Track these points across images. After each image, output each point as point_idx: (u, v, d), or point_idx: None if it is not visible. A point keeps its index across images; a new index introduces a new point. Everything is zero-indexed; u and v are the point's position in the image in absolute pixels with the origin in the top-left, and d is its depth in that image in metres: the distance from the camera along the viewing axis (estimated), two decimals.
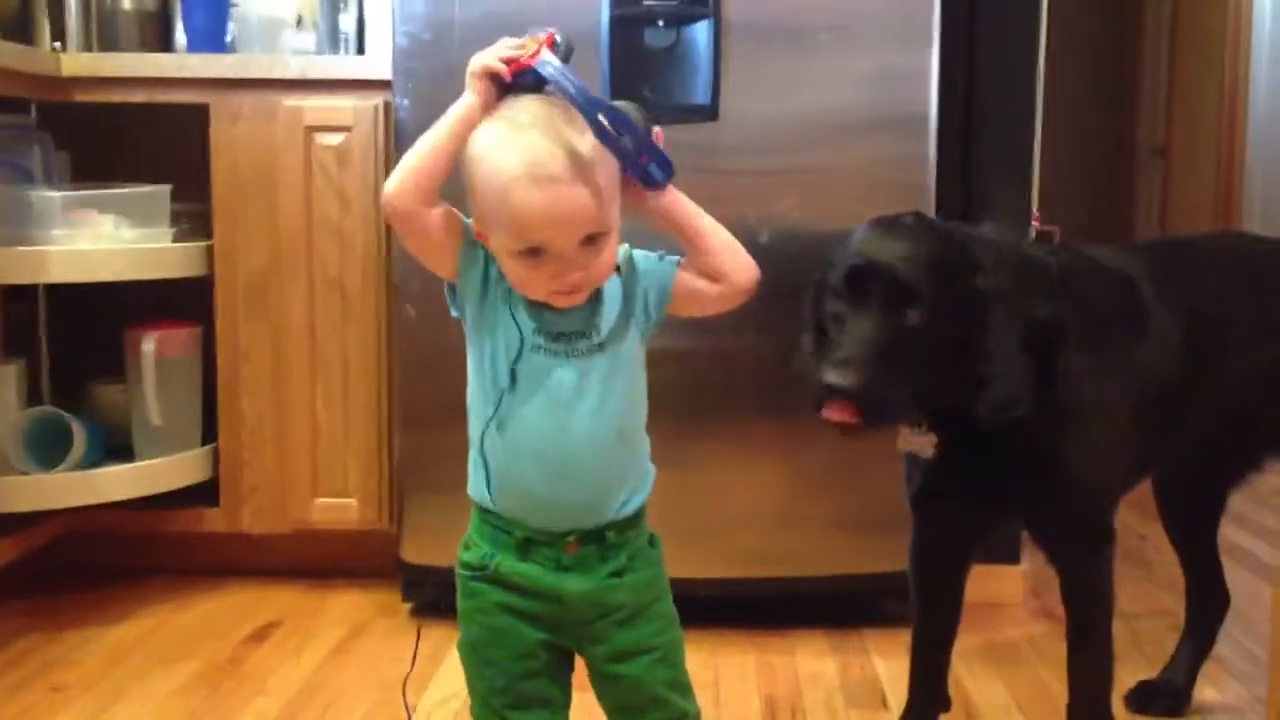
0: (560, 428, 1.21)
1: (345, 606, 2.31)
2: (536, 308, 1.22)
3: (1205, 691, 1.91)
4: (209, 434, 2.40)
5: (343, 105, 2.32)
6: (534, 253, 1.16)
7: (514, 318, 1.22)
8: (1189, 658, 1.89)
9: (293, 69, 2.34)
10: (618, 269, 1.25)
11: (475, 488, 1.26)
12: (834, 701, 1.90)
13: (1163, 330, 1.56)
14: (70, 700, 1.88)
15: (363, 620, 2.25)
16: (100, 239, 2.21)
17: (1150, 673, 1.90)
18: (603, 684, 1.28)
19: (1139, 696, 1.86)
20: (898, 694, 1.91)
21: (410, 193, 1.19)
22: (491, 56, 1.20)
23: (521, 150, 1.14)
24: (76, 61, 2.34)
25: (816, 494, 2.18)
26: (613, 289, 1.25)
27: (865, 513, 2.17)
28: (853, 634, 2.19)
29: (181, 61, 2.37)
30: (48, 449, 2.21)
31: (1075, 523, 1.52)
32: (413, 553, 2.24)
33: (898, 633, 2.17)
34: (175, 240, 2.31)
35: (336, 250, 2.34)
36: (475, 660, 1.27)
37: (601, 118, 1.16)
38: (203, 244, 2.34)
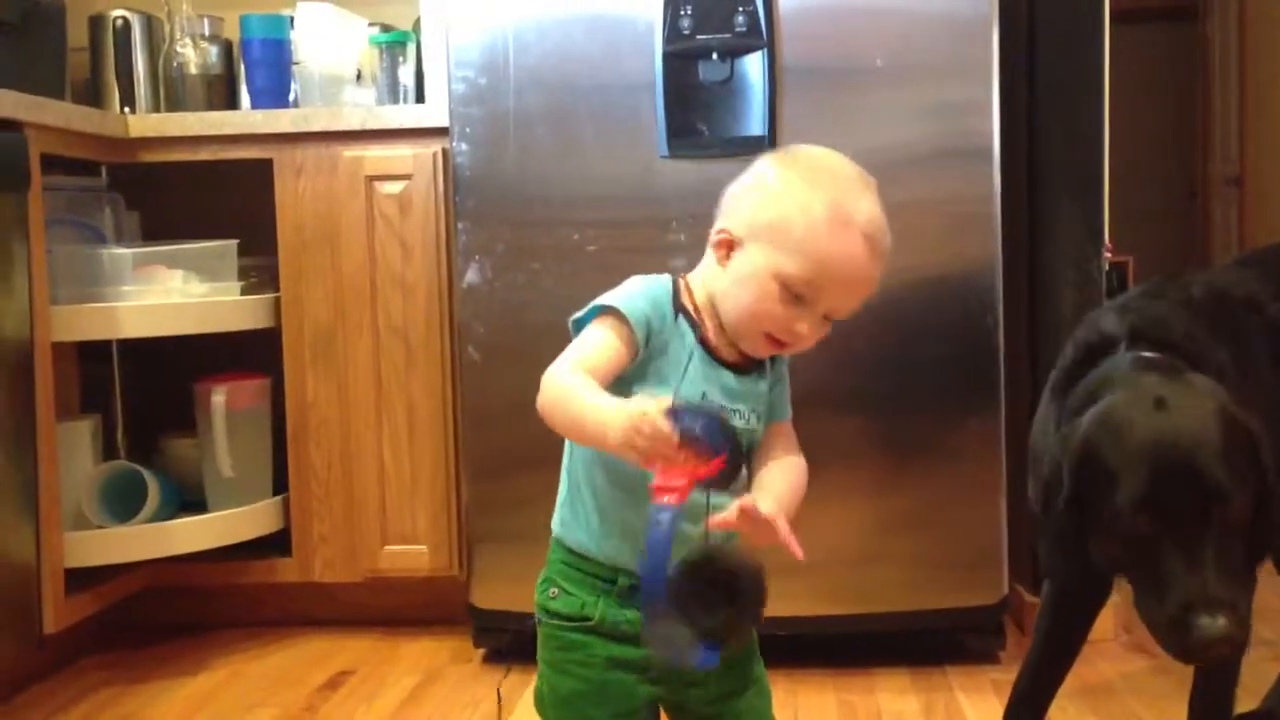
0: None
1: (417, 654, 2.30)
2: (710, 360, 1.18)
3: None
4: (279, 484, 2.41)
5: (402, 154, 2.35)
6: (797, 297, 1.15)
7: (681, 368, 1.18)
8: None
9: (352, 120, 2.37)
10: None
11: (573, 532, 1.20)
12: None
13: None
14: None
15: (435, 667, 2.23)
16: (170, 294, 2.25)
17: (1251, 704, 1.81)
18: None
19: None
20: None
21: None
22: (651, 445, 1.02)
23: (864, 205, 1.17)
24: (144, 123, 2.39)
25: (899, 531, 2.12)
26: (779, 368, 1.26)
27: (948, 549, 2.12)
28: (935, 671, 2.12)
29: (244, 118, 2.42)
30: (122, 503, 2.24)
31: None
32: (483, 598, 2.22)
33: (982, 669, 2.11)
34: (243, 294, 2.34)
35: (399, 298, 2.35)
36: (568, 715, 1.21)
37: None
38: (270, 296, 2.37)
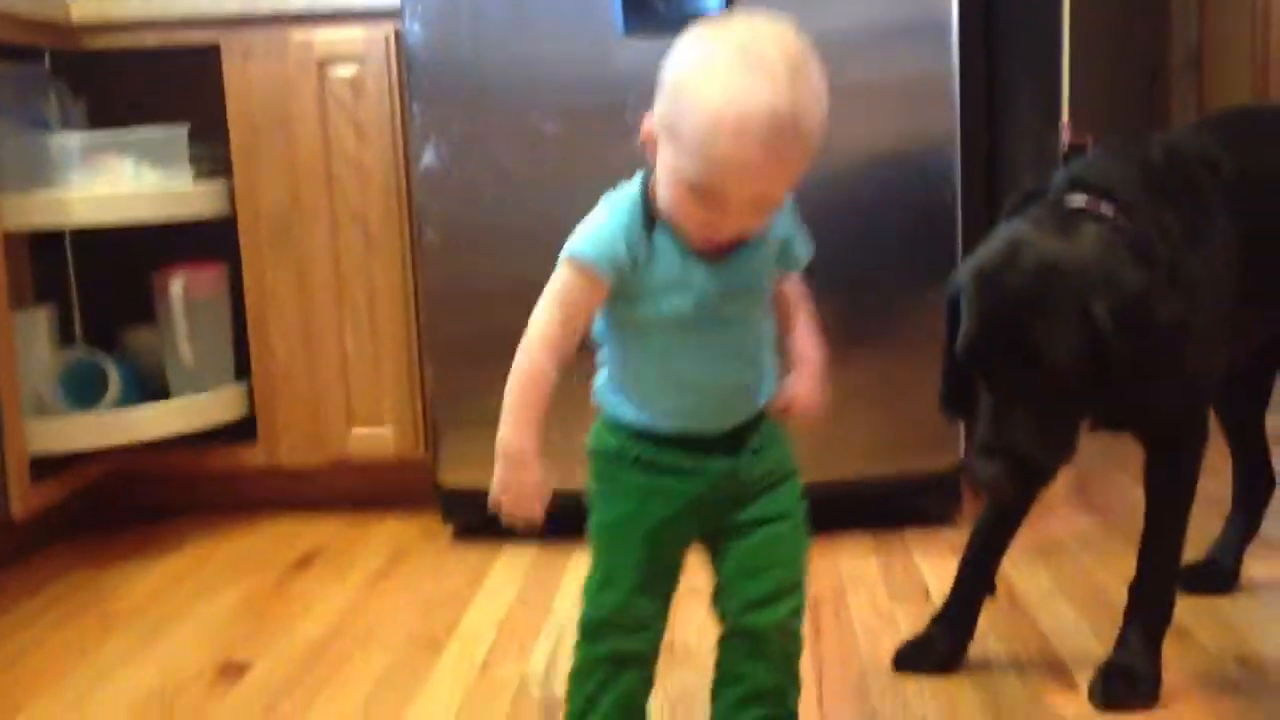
0: (715, 365, 1.20)
1: (386, 534, 2.33)
2: (690, 258, 1.17)
3: (1253, 568, 1.89)
4: (242, 372, 2.41)
5: (353, 36, 2.31)
6: (706, 199, 1.10)
7: (675, 274, 1.18)
8: (1236, 538, 1.88)
9: (301, 2, 2.32)
10: None
11: (605, 399, 1.25)
12: (877, 598, 1.90)
13: (1249, 218, 1.54)
14: (121, 627, 1.91)
15: (405, 545, 2.26)
16: (120, 182, 2.22)
17: (1198, 556, 1.88)
18: (732, 543, 1.26)
19: (1189, 576, 1.85)
20: (940, 588, 1.91)
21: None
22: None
23: (771, 102, 1.06)
24: (86, 7, 2.33)
25: (859, 401, 2.15)
26: (770, 232, 1.22)
27: (906, 418, 2.16)
28: (894, 534, 2.18)
29: (190, 1, 2.36)
30: (84, 393, 2.24)
31: (1182, 420, 1.52)
32: (451, 477, 2.25)
33: (938, 532, 2.17)
34: (195, 181, 2.31)
35: (356, 183, 2.34)
36: (609, 541, 1.26)
37: None
38: (223, 184, 2.35)
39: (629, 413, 1.24)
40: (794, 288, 1.30)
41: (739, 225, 1.14)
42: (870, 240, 2.14)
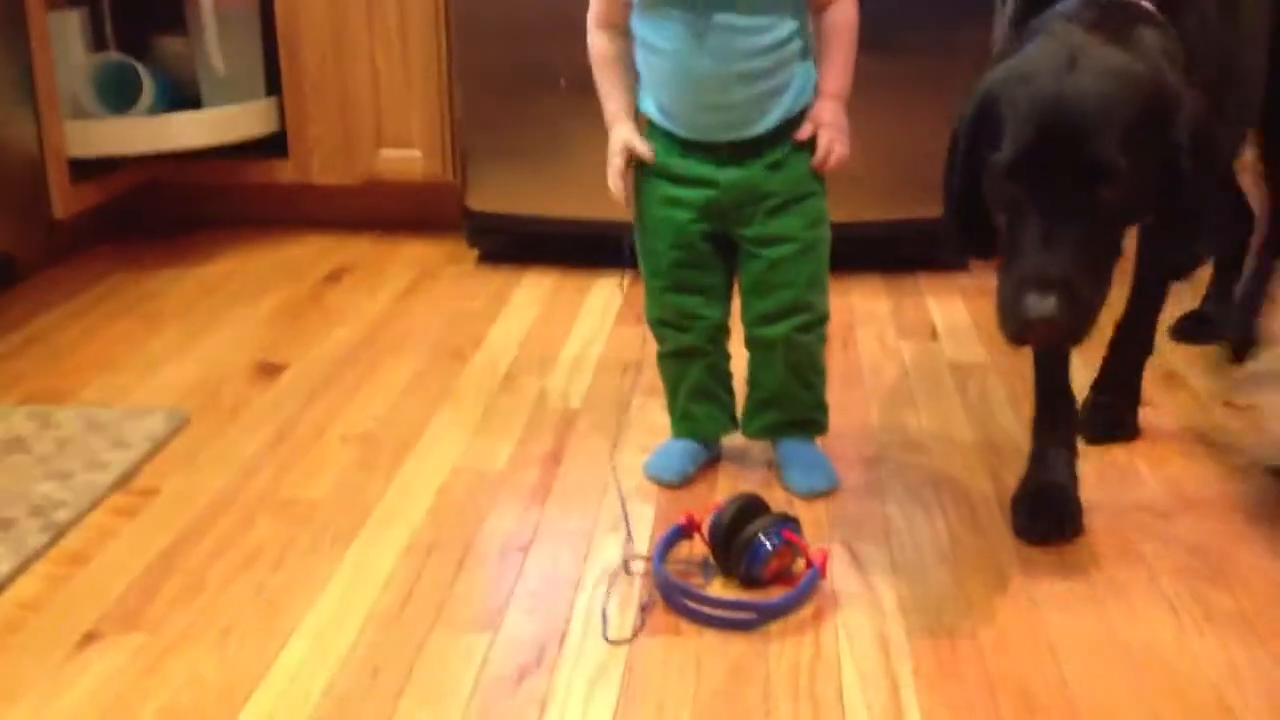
0: (705, 63, 1.32)
1: (414, 254, 2.40)
2: None
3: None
4: (273, 88, 2.42)
5: None
6: None
7: None
8: (1258, 286, 1.84)
9: None
10: None
11: (644, 103, 1.41)
12: (885, 333, 1.97)
13: None
14: (165, 326, 2.01)
15: (432, 265, 2.33)
16: None
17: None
18: (746, 263, 1.42)
19: (1184, 325, 1.90)
20: (948, 328, 1.98)
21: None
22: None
23: None
24: None
25: (879, 143, 2.15)
26: None
27: (925, 162, 2.15)
28: (908, 277, 2.23)
29: None
30: (118, 97, 2.26)
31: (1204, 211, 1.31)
32: (477, 201, 2.29)
33: (952, 276, 2.22)
34: None
35: None
36: (642, 247, 1.45)
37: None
38: None
39: (652, 110, 1.39)
40: (836, 14, 1.36)
41: None
42: None
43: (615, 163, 1.40)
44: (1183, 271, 1.45)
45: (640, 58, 1.39)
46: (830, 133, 1.37)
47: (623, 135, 1.40)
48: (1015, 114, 1.16)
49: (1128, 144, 1.12)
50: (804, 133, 1.37)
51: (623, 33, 1.39)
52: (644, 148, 1.39)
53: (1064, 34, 1.21)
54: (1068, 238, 1.13)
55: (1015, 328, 1.14)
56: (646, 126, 1.42)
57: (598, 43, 1.41)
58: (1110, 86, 1.15)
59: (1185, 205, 1.19)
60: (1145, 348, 1.61)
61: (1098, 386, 1.62)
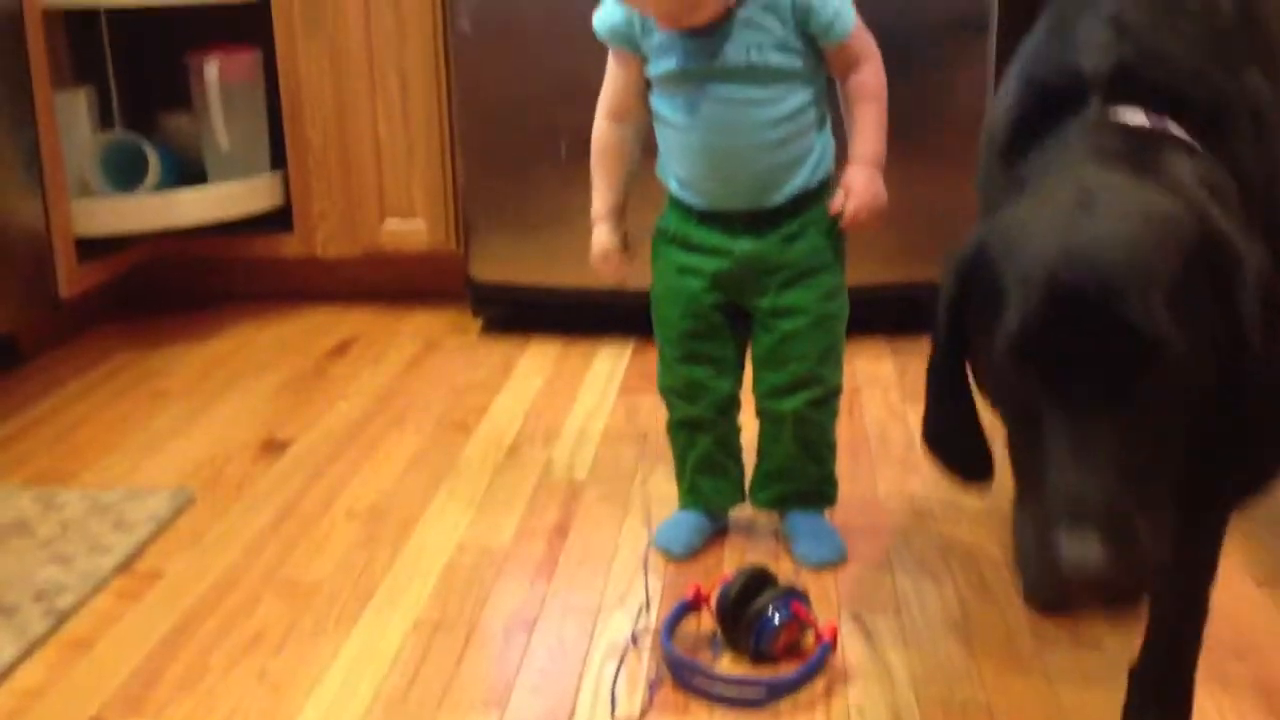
0: (714, 137, 1.34)
1: (418, 324, 2.40)
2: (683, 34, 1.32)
3: None
4: (277, 161, 2.44)
5: None
6: None
7: (667, 48, 1.34)
8: None
9: None
10: None
11: (664, 174, 1.43)
12: (891, 397, 1.97)
13: None
14: (170, 403, 2.01)
15: (436, 336, 2.34)
16: None
17: None
18: (759, 334, 1.42)
19: None
20: None
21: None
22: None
23: None
24: None
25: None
26: (758, 9, 1.31)
27: (927, 224, 2.17)
28: (913, 340, 2.23)
29: None
30: (124, 175, 2.28)
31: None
32: (481, 270, 2.30)
33: None
34: None
35: None
36: (656, 314, 1.45)
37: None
38: None
39: (670, 181, 1.41)
40: (860, 81, 1.37)
41: (667, 16, 1.29)
42: (902, 41, 2.09)
43: (598, 265, 1.45)
44: (1249, 494, 0.92)
45: (657, 130, 1.40)
46: (857, 201, 1.35)
47: (601, 240, 1.44)
48: (1019, 274, 0.83)
49: (1176, 307, 0.79)
50: (836, 203, 1.36)
51: (628, 122, 1.42)
52: (615, 263, 1.44)
53: (1078, 167, 0.93)
54: (1106, 446, 0.79)
55: (1047, 591, 0.80)
56: (670, 202, 1.43)
57: (600, 131, 1.43)
58: (1145, 231, 0.83)
59: (1254, 396, 0.85)
60: (1197, 624, 1.05)
61: (1131, 701, 1.08)
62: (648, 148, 1.46)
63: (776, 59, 1.31)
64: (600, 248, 1.44)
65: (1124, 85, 0.99)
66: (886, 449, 1.76)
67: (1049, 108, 1.01)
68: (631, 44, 1.37)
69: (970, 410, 0.94)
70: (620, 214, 1.44)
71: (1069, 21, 1.07)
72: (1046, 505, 0.79)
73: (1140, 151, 0.94)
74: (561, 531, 1.54)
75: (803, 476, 1.45)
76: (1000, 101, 1.11)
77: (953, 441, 0.99)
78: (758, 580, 1.26)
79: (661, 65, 1.35)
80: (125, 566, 1.46)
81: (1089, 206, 0.86)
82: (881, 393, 1.99)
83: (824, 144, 1.38)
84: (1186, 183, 0.91)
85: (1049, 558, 0.78)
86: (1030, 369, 0.82)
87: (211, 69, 2.28)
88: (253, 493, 1.67)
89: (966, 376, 0.93)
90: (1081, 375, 0.80)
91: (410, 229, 2.42)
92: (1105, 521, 0.77)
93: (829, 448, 1.46)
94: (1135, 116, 0.98)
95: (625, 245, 1.44)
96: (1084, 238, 0.83)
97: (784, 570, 1.39)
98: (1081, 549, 0.76)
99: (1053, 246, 0.83)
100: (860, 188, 1.35)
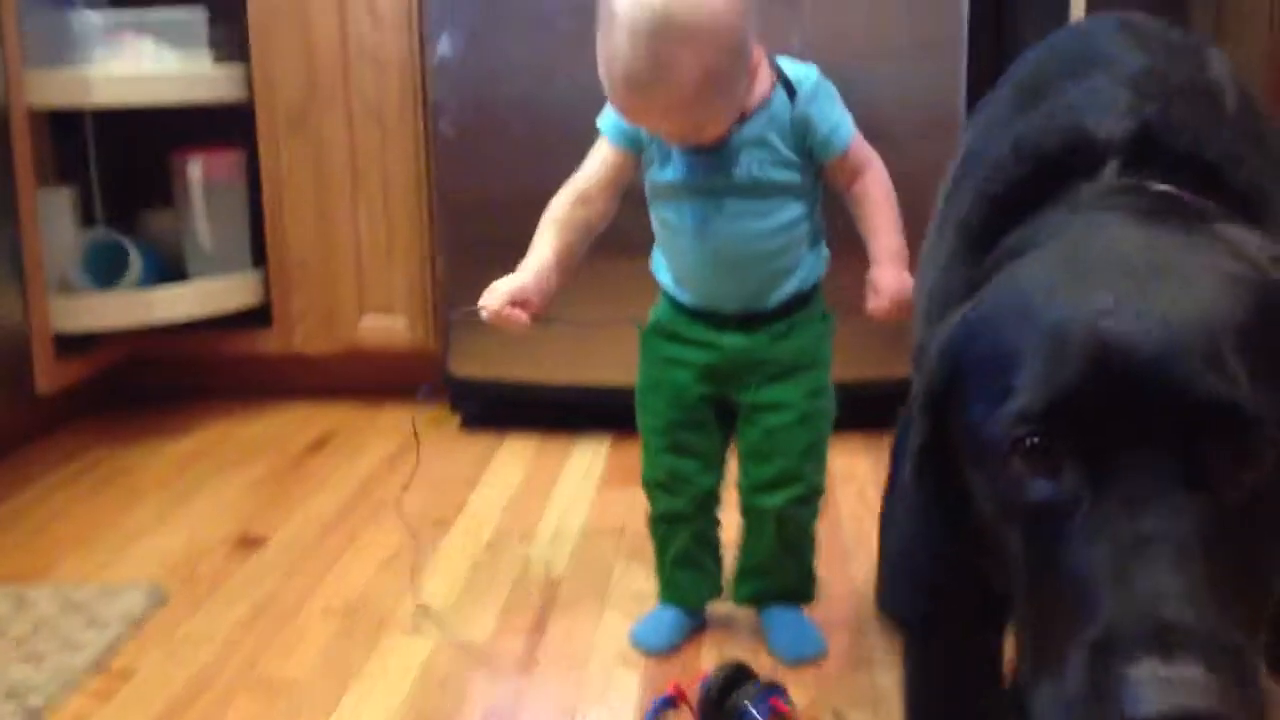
0: (712, 245, 1.36)
1: (396, 420, 2.41)
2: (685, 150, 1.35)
3: None
4: (258, 259, 2.46)
5: None
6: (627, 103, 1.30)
7: (670, 158, 1.37)
8: None
9: None
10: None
11: (657, 269, 1.45)
12: (866, 492, 1.98)
13: None
14: (143, 499, 2.00)
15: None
16: (141, 62, 2.25)
17: None
18: (744, 428, 1.43)
19: None
20: None
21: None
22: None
23: (615, 51, 1.25)
24: None
25: (852, 301, 2.21)
26: (762, 127, 1.34)
27: (902, 325, 2.21)
28: (885, 435, 2.24)
29: None
30: (105, 273, 2.29)
31: None
32: (459, 367, 2.31)
33: None
34: (214, 64, 2.33)
35: (372, 72, 2.35)
36: (641, 406, 1.46)
37: None
38: (241, 68, 2.37)
39: (665, 278, 1.44)
40: (864, 187, 1.40)
41: (676, 137, 1.32)
42: (877, 136, 2.17)
43: (498, 291, 1.35)
44: None
45: (655, 227, 1.43)
46: (887, 299, 1.37)
47: (516, 282, 1.36)
48: (1044, 336, 0.66)
49: (1255, 366, 0.63)
50: (869, 305, 1.38)
51: (588, 209, 1.41)
52: (496, 299, 1.35)
53: (1109, 225, 0.75)
54: (1184, 543, 0.59)
55: None
56: (662, 297, 1.46)
57: (557, 201, 1.42)
58: (1207, 280, 0.67)
59: None
60: None
61: None
62: (616, 247, 1.49)
63: (777, 174, 1.35)
64: (509, 288, 1.35)
65: (1148, 153, 0.81)
66: (862, 543, 1.77)
67: (1042, 179, 0.83)
68: (635, 145, 1.40)
69: (947, 535, 0.75)
70: (542, 277, 1.36)
71: (1054, 84, 0.90)
72: (1110, 634, 0.57)
73: (1184, 214, 0.76)
74: (539, 628, 1.53)
75: (783, 573, 1.46)
76: (965, 181, 0.91)
77: (927, 572, 0.77)
78: (737, 676, 1.26)
79: (664, 175, 1.38)
80: (98, 665, 1.43)
81: (1131, 258, 0.68)
82: (857, 487, 2.00)
83: (816, 255, 1.42)
84: (1248, 247, 0.73)
85: (1109, 703, 0.54)
86: (1063, 451, 0.63)
87: (195, 168, 2.32)
88: (227, 589, 1.66)
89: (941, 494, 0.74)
90: (1138, 452, 0.61)
91: (389, 325, 2.44)
92: (1207, 649, 0.54)
93: (809, 545, 1.47)
94: (1164, 188, 0.80)
95: (523, 303, 1.35)
96: (1130, 286, 0.65)
97: (763, 665, 1.39)
98: (1179, 690, 0.53)
99: (1089, 300, 0.65)
100: (887, 286, 1.37)
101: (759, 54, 1.32)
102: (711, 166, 1.34)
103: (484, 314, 1.36)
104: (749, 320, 1.39)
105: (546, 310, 1.38)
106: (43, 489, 2.05)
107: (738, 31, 1.25)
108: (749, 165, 1.34)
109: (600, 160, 1.41)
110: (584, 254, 1.44)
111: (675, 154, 1.36)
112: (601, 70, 1.28)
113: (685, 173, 1.35)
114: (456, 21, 2.17)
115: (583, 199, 1.42)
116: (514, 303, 1.35)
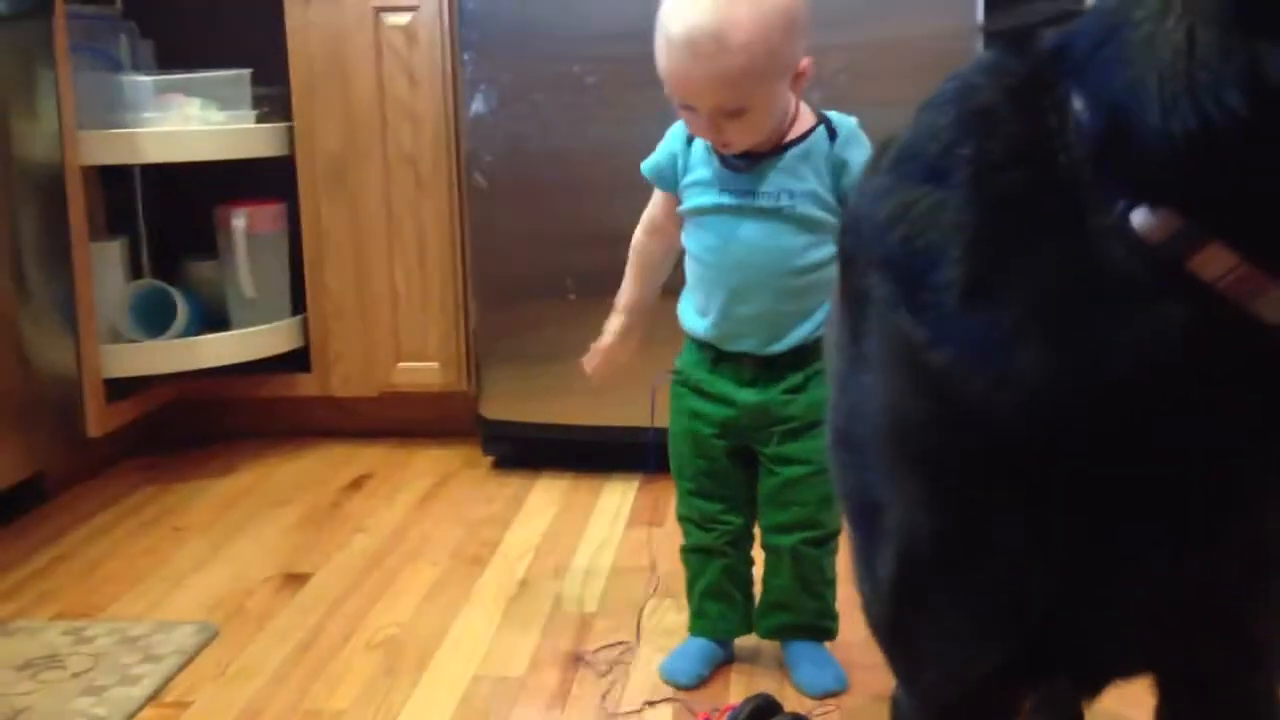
0: (738, 272, 1.44)
1: (431, 460, 2.49)
2: (721, 167, 1.44)
3: None
4: (298, 306, 2.56)
5: None
6: (685, 106, 1.38)
7: (705, 185, 1.46)
8: None
9: None
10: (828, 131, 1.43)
11: (683, 313, 1.53)
12: None
13: None
14: (191, 538, 2.08)
15: (448, 472, 2.42)
16: (189, 121, 2.35)
17: None
18: (764, 476, 1.51)
19: None
20: None
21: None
22: None
23: (686, 16, 1.32)
24: None
25: None
26: (797, 159, 1.41)
27: None
28: None
29: None
30: (152, 321, 2.39)
31: None
32: (492, 410, 2.39)
33: None
34: (258, 122, 2.44)
35: (408, 128, 2.46)
36: (672, 450, 1.55)
37: None
38: (283, 125, 2.47)
39: (690, 316, 1.51)
40: None
41: (719, 131, 1.38)
42: None
43: (604, 340, 1.57)
44: None
45: (687, 266, 1.51)
46: None
47: (612, 327, 1.57)
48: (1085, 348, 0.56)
49: None
50: None
51: (658, 238, 1.55)
52: (600, 352, 1.57)
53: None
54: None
55: None
56: (688, 342, 1.54)
57: (635, 240, 1.58)
58: None
59: None
60: None
61: None
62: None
63: (809, 210, 1.41)
64: (611, 335, 1.57)
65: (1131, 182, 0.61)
66: None
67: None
68: (670, 185, 1.50)
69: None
70: (635, 312, 1.57)
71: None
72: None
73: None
74: (574, 661, 1.60)
75: (801, 609, 1.51)
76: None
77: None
78: (764, 708, 1.32)
79: (696, 200, 1.46)
80: (155, 697, 1.51)
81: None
82: None
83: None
84: None
85: None
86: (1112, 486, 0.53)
87: (239, 220, 2.42)
88: (274, 625, 1.73)
89: None
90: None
91: (424, 370, 2.52)
92: None
93: (827, 584, 1.52)
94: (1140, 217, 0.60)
95: (623, 342, 1.56)
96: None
97: (788, 698, 1.44)
98: None
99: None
100: None
101: (808, 65, 1.38)
102: (742, 187, 1.42)
103: (589, 370, 1.59)
104: (762, 369, 1.46)
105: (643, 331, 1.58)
106: (94, 528, 2.13)
107: (795, 13, 1.33)
108: (778, 192, 1.41)
109: (654, 200, 1.55)
110: (669, 268, 1.58)
111: (709, 180, 1.44)
112: (659, 41, 1.35)
113: (716, 195, 1.43)
114: (490, 81, 2.27)
115: (649, 231, 1.56)
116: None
